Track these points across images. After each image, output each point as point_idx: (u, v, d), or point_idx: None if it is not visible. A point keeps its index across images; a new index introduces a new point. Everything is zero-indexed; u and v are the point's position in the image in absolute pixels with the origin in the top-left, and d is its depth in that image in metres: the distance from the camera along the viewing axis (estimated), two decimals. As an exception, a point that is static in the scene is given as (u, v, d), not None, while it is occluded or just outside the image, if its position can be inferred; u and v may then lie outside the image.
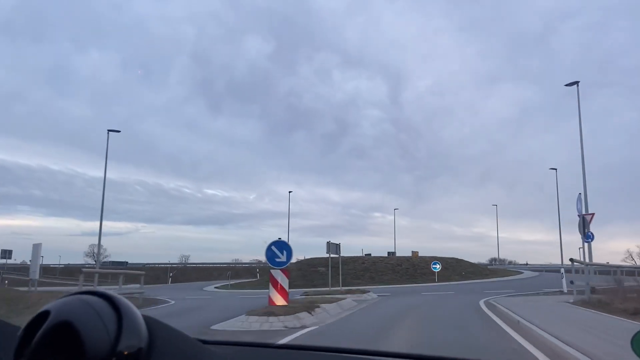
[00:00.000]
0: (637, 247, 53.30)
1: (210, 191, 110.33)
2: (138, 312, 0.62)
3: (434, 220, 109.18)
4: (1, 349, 0.67)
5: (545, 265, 57.84)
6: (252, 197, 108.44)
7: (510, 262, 56.33)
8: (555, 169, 37.78)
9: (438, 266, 37.85)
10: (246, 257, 76.21)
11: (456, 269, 43.75)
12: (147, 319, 0.63)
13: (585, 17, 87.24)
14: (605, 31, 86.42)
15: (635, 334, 1.45)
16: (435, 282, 35.91)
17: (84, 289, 0.65)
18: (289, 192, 55.05)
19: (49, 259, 56.55)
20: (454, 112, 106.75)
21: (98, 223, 30.02)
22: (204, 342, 0.81)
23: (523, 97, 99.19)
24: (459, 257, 48.57)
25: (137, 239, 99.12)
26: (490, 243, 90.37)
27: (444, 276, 39.09)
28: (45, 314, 0.57)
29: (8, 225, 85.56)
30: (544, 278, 38.23)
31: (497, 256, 59.30)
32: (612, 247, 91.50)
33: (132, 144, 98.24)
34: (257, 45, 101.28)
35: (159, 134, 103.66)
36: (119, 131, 29.82)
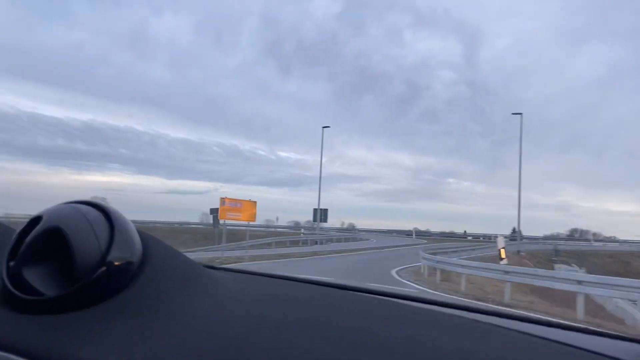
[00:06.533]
0: None
1: (283, 153, 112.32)
2: (132, 226, 0.60)
3: (512, 188, 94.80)
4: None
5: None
6: (324, 161, 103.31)
7: (594, 234, 41.18)
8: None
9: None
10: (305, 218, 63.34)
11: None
12: (142, 234, 0.62)
13: None
14: None
15: None
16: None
17: (78, 198, 0.62)
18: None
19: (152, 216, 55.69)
20: (535, 73, 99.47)
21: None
22: (207, 267, 0.76)
23: (613, 55, 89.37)
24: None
25: (216, 198, 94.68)
26: (577, 213, 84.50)
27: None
28: (37, 219, 0.56)
29: (102, 181, 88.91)
30: None
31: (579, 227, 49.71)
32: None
33: (209, 106, 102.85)
34: (325, 4, 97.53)
35: (233, 97, 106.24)
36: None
